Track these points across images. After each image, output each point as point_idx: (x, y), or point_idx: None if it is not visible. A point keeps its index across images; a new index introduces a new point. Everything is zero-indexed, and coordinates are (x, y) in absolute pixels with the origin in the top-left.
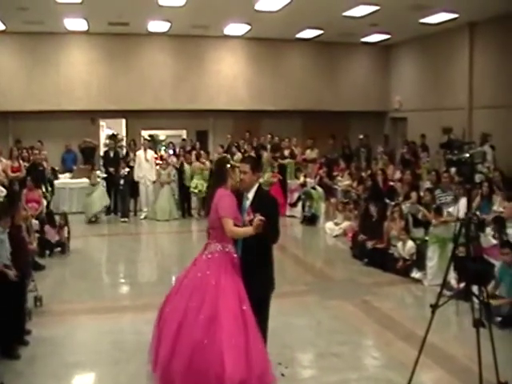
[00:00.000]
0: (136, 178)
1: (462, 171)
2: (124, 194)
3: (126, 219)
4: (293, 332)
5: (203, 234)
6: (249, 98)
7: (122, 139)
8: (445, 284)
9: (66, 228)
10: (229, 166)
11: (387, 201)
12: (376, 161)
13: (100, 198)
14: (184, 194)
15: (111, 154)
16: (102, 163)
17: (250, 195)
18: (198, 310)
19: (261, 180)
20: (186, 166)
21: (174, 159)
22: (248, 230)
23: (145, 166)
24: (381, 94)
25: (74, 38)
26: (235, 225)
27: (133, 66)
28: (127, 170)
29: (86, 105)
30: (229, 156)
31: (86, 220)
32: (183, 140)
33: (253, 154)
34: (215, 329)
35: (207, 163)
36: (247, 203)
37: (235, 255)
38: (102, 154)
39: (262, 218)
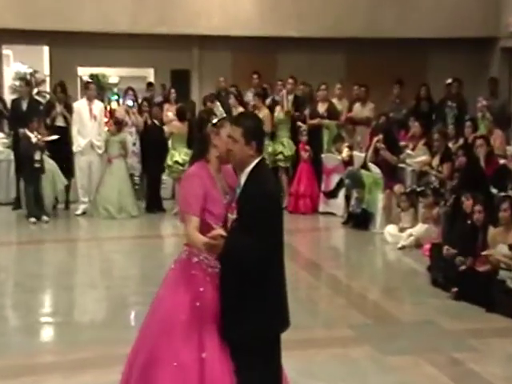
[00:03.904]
0: (76, 148)
1: None
2: (37, 176)
3: (46, 218)
4: None
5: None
6: (258, 18)
7: (44, 81)
8: None
9: None
10: (211, 125)
11: (494, 191)
12: (474, 123)
13: (50, 179)
14: (150, 174)
15: (23, 106)
16: (6, 121)
17: (243, 179)
18: (138, 349)
19: (280, 149)
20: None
21: (134, 117)
22: (198, 243)
23: (89, 128)
24: (483, 11)
25: None
26: (206, 226)
27: None
28: (44, 133)
29: None
30: (217, 107)
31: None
32: (149, 85)
33: (263, 109)
34: (150, 380)
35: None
36: (238, 192)
37: (210, 268)
38: (7, 104)
39: (222, 232)
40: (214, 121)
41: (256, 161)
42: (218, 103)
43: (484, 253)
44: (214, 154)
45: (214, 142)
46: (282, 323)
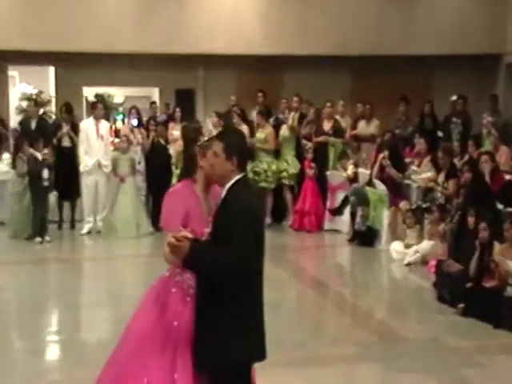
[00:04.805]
0: (83, 168)
1: None
2: (45, 195)
3: (47, 238)
4: None
5: None
6: (263, 37)
7: (49, 101)
8: None
9: None
10: (197, 145)
11: (500, 207)
12: (477, 141)
13: None
14: (156, 193)
15: (32, 125)
16: (12, 141)
17: (223, 194)
18: (113, 361)
19: (284, 167)
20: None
21: (139, 136)
22: (168, 253)
23: (96, 148)
24: (489, 27)
25: None
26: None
27: None
28: (45, 151)
29: None
30: (207, 125)
31: (11, 234)
32: (153, 104)
33: (267, 127)
34: None
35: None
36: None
37: (192, 289)
38: (13, 124)
39: (187, 234)
40: (200, 142)
41: (237, 177)
42: (209, 121)
43: (496, 258)
44: (200, 174)
45: (201, 164)
46: (256, 353)
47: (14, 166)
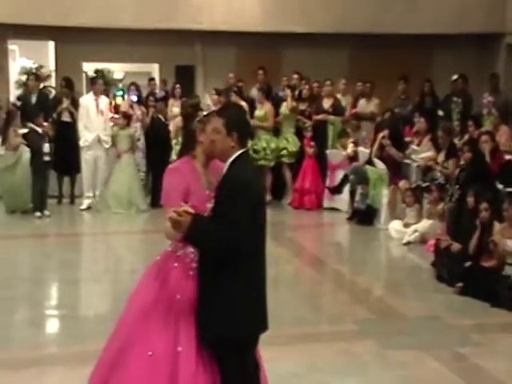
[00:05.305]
0: (83, 143)
1: None
2: (45, 169)
3: (47, 213)
4: None
5: None
6: (262, 13)
7: (49, 76)
8: None
9: None
10: (197, 121)
11: (500, 186)
12: (476, 121)
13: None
14: (155, 169)
15: (32, 100)
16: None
17: (224, 170)
18: (115, 335)
19: (284, 144)
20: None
21: (139, 112)
22: (168, 229)
23: (96, 123)
24: (490, 6)
25: None
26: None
27: None
28: (45, 124)
29: None
30: (205, 99)
31: (7, 210)
32: (151, 80)
33: (266, 105)
34: (121, 364)
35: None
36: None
37: (195, 263)
38: (13, 99)
39: (188, 209)
40: (199, 117)
41: (238, 152)
42: (208, 96)
43: (495, 238)
44: (200, 149)
45: (200, 139)
46: (258, 325)
47: (3, 140)
